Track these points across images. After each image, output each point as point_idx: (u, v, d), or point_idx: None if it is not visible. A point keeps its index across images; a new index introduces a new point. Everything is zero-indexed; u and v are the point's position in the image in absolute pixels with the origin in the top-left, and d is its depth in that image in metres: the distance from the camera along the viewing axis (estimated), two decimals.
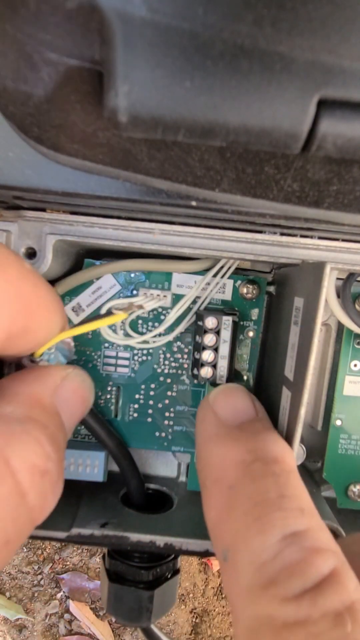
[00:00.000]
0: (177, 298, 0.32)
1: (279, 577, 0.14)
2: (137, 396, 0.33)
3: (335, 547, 0.15)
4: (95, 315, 0.28)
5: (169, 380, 0.33)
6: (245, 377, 0.34)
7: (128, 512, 0.30)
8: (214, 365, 0.31)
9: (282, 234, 0.25)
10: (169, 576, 0.32)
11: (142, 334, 0.32)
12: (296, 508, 0.15)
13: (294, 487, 0.16)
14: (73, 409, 0.22)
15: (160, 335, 0.32)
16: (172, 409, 0.34)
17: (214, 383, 0.32)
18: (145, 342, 0.32)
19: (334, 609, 0.13)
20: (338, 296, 0.30)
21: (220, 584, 1.08)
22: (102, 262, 0.32)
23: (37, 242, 0.26)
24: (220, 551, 0.16)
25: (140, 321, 0.33)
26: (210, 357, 0.31)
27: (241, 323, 0.33)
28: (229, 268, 0.31)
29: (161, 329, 0.32)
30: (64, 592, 1.01)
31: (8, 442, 0.17)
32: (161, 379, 0.33)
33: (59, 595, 1.01)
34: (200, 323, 0.31)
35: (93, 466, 0.31)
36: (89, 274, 0.31)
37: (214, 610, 1.07)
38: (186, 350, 0.33)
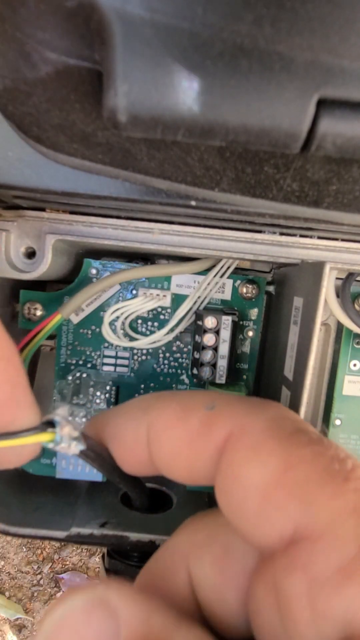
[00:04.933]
0: (176, 298, 0.32)
1: None
2: (136, 395, 0.33)
3: None
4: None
5: (168, 380, 0.33)
6: (244, 377, 0.34)
7: (127, 512, 0.30)
8: (214, 365, 0.31)
9: (281, 234, 0.25)
10: None
11: (142, 333, 0.32)
12: None
13: None
14: None
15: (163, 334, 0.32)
16: None
17: (213, 383, 0.32)
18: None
19: None
20: (337, 296, 0.30)
21: None
22: (109, 273, 0.32)
23: (37, 241, 0.26)
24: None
25: (139, 321, 0.33)
26: (210, 357, 0.31)
27: (240, 323, 0.33)
28: (228, 268, 0.31)
29: (164, 331, 0.32)
30: (63, 591, 1.01)
31: None
32: (161, 378, 0.33)
33: (58, 595, 1.01)
34: (199, 323, 0.31)
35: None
36: (98, 287, 0.30)
37: None
38: (186, 349, 0.33)
